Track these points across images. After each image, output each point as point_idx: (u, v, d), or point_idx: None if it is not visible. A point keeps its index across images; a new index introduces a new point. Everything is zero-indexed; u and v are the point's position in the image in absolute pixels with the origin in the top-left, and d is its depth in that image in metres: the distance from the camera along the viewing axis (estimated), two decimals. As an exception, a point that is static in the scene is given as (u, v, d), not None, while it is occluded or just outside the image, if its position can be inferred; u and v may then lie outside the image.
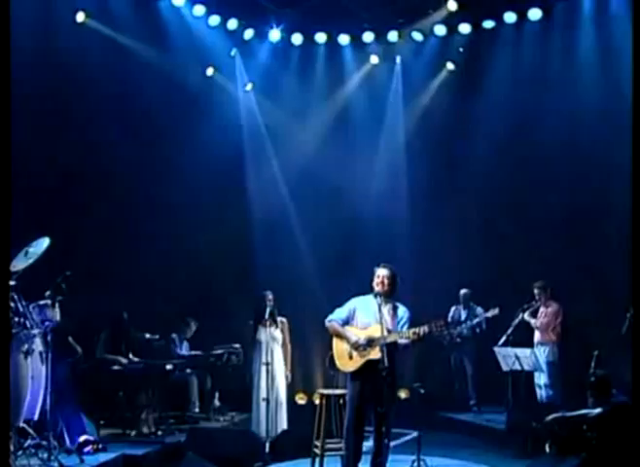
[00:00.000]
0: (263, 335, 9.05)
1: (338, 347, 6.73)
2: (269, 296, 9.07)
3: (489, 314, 10.44)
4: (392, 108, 11.76)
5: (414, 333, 6.43)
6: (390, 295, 6.67)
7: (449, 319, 10.74)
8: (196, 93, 11.18)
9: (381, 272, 6.65)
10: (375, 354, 6.38)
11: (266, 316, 8.95)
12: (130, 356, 9.09)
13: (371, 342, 6.49)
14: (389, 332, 6.48)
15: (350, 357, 6.62)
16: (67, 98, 10.07)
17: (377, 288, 6.60)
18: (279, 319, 9.19)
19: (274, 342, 9.09)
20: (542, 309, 9.99)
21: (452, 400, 10.94)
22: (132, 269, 10.49)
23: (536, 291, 9.96)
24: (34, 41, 9.41)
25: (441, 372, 11.16)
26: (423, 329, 6.43)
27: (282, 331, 9.20)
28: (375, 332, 6.44)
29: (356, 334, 6.62)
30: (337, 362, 6.74)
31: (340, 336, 6.72)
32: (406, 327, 6.57)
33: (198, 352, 10.09)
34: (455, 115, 11.61)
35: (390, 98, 11.74)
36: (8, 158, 4.99)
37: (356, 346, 6.57)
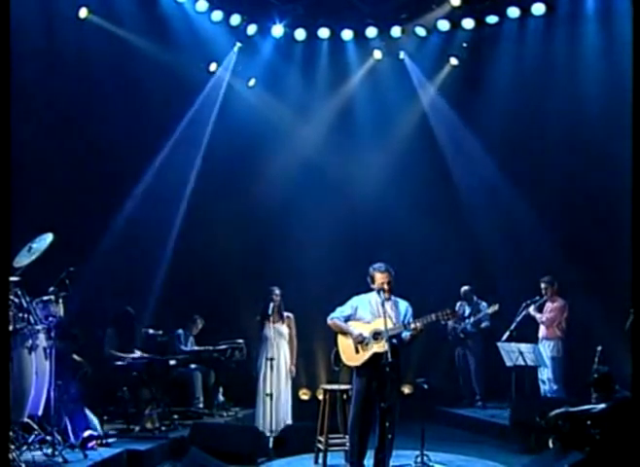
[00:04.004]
0: (269, 330, 9.05)
1: (344, 343, 6.77)
2: (276, 291, 9.09)
3: (490, 311, 10.45)
4: (395, 103, 11.73)
5: (421, 323, 6.47)
6: (391, 293, 6.75)
7: (455, 315, 10.75)
8: (199, 89, 11.19)
9: (387, 278, 6.70)
10: (381, 347, 6.41)
11: (270, 312, 8.96)
12: (136, 352, 9.12)
13: (376, 336, 6.54)
14: (393, 325, 6.52)
15: (357, 351, 6.66)
16: (70, 95, 10.06)
17: (385, 294, 6.65)
18: (285, 314, 9.21)
19: (281, 338, 9.11)
20: (548, 304, 10.01)
21: (456, 395, 10.96)
22: (139, 265, 10.53)
23: (543, 286, 9.98)
24: (37, 37, 9.43)
25: (444, 367, 11.16)
26: (430, 317, 6.49)
27: (289, 326, 9.21)
28: (380, 325, 6.48)
29: (360, 328, 6.66)
30: (344, 357, 6.78)
31: (344, 332, 6.75)
32: (411, 320, 6.62)
33: (200, 348, 10.10)
34: (458, 110, 11.60)
35: (395, 93, 11.71)
36: (7, 154, 4.99)
37: (360, 340, 6.61)
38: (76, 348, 8.43)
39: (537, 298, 9.98)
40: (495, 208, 11.37)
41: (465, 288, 10.81)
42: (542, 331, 9.98)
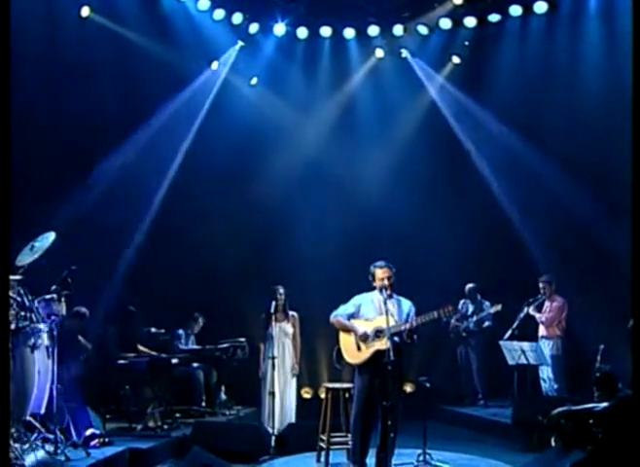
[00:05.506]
0: (274, 329, 9.04)
1: (346, 341, 6.77)
2: (280, 290, 9.07)
3: (492, 310, 10.45)
4: (397, 101, 11.72)
5: (423, 320, 6.48)
6: (393, 290, 6.75)
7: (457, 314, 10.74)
8: (201, 88, 11.19)
9: (388, 273, 6.72)
10: (383, 344, 6.41)
11: (272, 311, 8.95)
12: (140, 348, 9.13)
13: (378, 333, 6.55)
14: (396, 322, 6.53)
15: (359, 349, 6.66)
16: (71, 93, 10.06)
17: (387, 291, 6.66)
18: (290, 313, 9.20)
19: (286, 337, 9.10)
20: (547, 304, 9.99)
21: (458, 394, 10.96)
22: (140, 264, 10.53)
23: (541, 285, 9.97)
24: (39, 35, 9.44)
25: (447, 366, 11.16)
26: (432, 314, 6.49)
27: (293, 325, 9.21)
28: (382, 323, 6.48)
29: (362, 325, 6.66)
30: (346, 355, 6.78)
31: (347, 329, 6.75)
32: (414, 317, 6.63)
33: (198, 347, 10.09)
34: (460, 108, 11.59)
35: (397, 91, 11.70)
36: (8, 154, 4.98)
37: (364, 338, 6.62)
38: (83, 325, 8.44)
39: (539, 296, 9.97)
40: (497, 207, 11.36)
41: (469, 286, 10.81)
42: (541, 330, 9.97)
